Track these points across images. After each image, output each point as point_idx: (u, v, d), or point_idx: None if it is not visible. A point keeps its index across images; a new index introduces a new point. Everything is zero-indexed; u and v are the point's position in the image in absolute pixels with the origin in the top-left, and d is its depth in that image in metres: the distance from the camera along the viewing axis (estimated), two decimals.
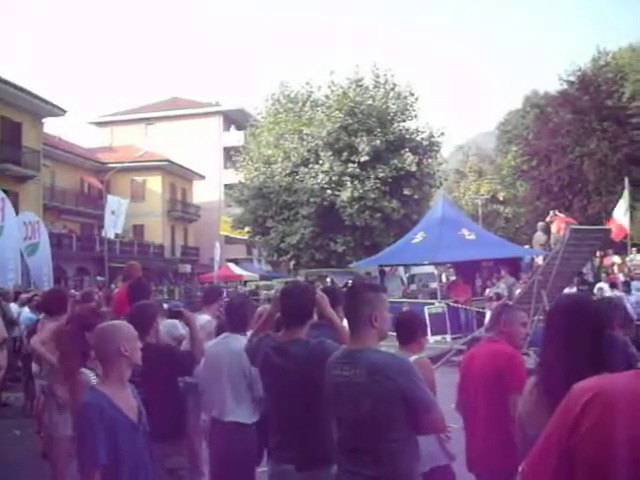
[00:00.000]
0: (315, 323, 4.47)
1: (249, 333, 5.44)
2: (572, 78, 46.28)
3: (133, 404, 3.85)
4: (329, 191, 35.36)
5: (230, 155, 51.11)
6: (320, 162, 35.78)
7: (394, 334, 5.01)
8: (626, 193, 26.51)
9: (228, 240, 55.06)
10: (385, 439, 3.49)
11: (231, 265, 52.19)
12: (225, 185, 59.93)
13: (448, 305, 20.72)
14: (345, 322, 4.09)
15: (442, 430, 4.00)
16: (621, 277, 21.74)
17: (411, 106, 38.80)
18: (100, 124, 65.25)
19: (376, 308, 3.72)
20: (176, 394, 5.47)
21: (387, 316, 3.79)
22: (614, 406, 2.00)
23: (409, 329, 5.15)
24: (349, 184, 35.00)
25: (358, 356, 3.59)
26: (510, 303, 9.77)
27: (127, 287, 7.61)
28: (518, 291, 18.77)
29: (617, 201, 28.52)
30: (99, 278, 38.80)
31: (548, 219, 25.41)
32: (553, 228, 24.54)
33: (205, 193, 61.61)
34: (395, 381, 3.45)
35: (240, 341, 5.39)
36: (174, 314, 6.21)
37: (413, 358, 4.82)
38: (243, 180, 40.26)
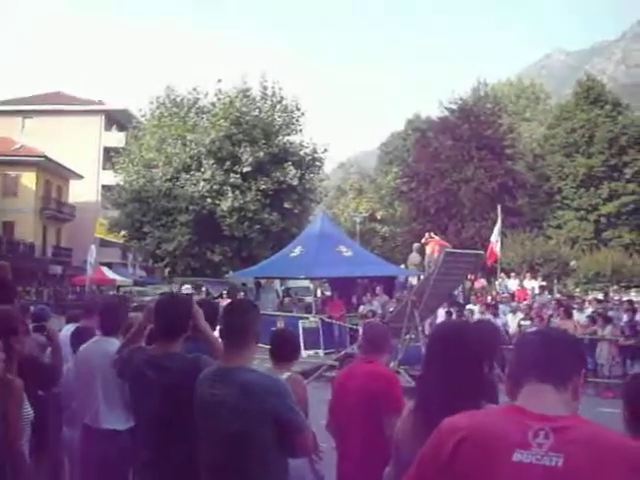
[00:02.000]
0: (189, 336, 4.33)
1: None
2: (453, 106, 47.78)
3: None
4: (209, 199, 35.07)
5: (110, 156, 49.94)
6: (202, 170, 35.46)
7: (266, 347, 4.92)
8: (499, 220, 27.45)
9: (103, 243, 53.72)
10: (253, 460, 3.42)
11: (104, 269, 50.88)
12: (103, 186, 58.57)
13: (322, 320, 20.80)
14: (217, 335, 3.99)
15: (312, 453, 3.96)
16: (489, 300, 22.43)
17: (297, 120, 39.07)
18: None
19: (255, 326, 3.67)
20: (37, 409, 5.21)
21: (260, 334, 3.73)
22: (483, 449, 2.04)
23: (285, 348, 5.09)
24: (230, 194, 34.83)
25: (231, 374, 3.50)
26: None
27: None
28: (391, 309, 19.09)
29: (490, 227, 29.56)
30: None
31: (423, 240, 26.02)
32: (428, 249, 25.14)
33: (81, 193, 59.91)
34: (267, 402, 3.38)
35: (114, 344, 5.20)
36: (36, 329, 5.96)
37: (286, 375, 4.76)
38: (122, 182, 39.37)
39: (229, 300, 25.99)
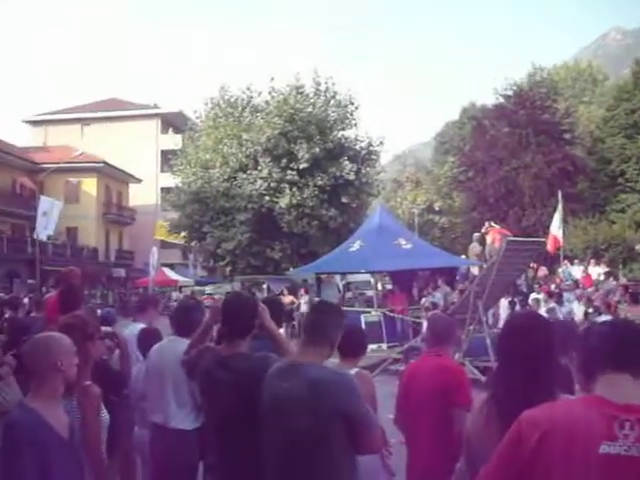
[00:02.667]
0: (255, 335, 4.35)
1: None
2: (508, 92, 47.12)
3: (65, 421, 3.65)
4: (267, 197, 35.25)
5: (167, 158, 50.55)
6: (259, 168, 35.66)
7: None
8: (560, 207, 26.98)
9: (164, 244, 54.41)
10: (322, 456, 3.41)
11: (166, 270, 51.58)
12: (162, 189, 59.32)
13: (384, 314, 20.75)
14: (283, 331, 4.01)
15: (380, 450, 3.94)
16: (552, 288, 22.08)
17: (351, 114, 39.01)
18: (34, 123, 63.93)
19: (339, 330, 3.74)
20: (110, 412, 5.29)
21: (339, 337, 3.75)
22: (567, 442, 2.01)
23: (353, 343, 5.05)
24: (287, 191, 34.96)
25: (301, 370, 3.50)
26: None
27: (59, 293, 7.36)
28: (454, 301, 18.94)
29: (551, 214, 29.04)
30: (30, 281, 37.93)
31: (483, 230, 25.71)
32: (488, 239, 24.83)
33: (141, 196, 60.84)
34: (337, 398, 3.37)
35: (181, 344, 5.26)
36: (105, 335, 6.05)
37: (354, 371, 4.75)
38: (180, 184, 39.83)
39: (290, 297, 26.20)
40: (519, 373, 2.82)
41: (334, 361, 4.81)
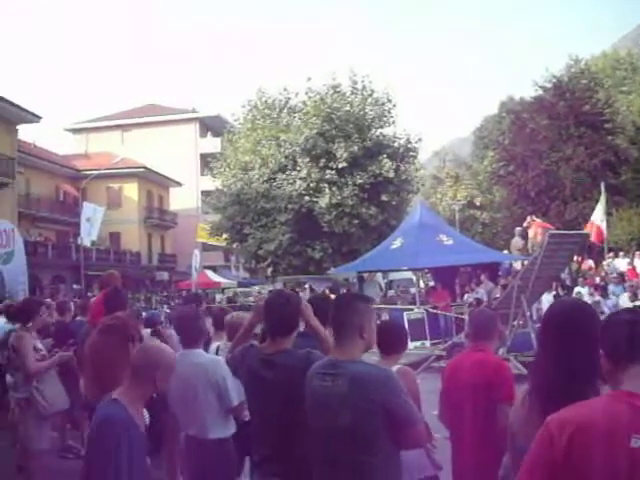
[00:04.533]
0: (300, 332, 4.38)
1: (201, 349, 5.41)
2: (547, 84, 46.64)
3: (143, 422, 3.79)
4: (307, 197, 35.32)
5: (207, 162, 50.89)
6: (298, 168, 35.75)
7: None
8: (602, 198, 26.64)
9: (205, 247, 54.79)
10: (365, 452, 3.41)
11: (209, 272, 51.93)
12: (202, 192, 59.75)
13: (427, 311, 20.64)
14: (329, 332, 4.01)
15: (424, 445, 3.93)
16: (597, 281, 21.83)
17: (389, 112, 38.93)
18: (75, 131, 64.80)
19: (365, 319, 3.65)
20: (153, 407, 5.34)
21: (374, 328, 3.73)
22: (598, 439, 1.98)
23: (393, 339, 5.05)
24: (327, 190, 35.00)
25: (341, 367, 3.51)
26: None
27: (102, 296, 7.47)
28: (497, 296, 18.81)
29: (593, 206, 28.69)
30: (75, 286, 38.45)
31: (525, 224, 25.50)
32: (530, 233, 24.63)
33: (182, 200, 61.36)
34: (378, 394, 3.37)
35: (199, 355, 5.32)
36: (153, 333, 6.12)
37: (396, 367, 4.75)
38: (220, 187, 40.10)
39: (333, 296, 26.26)
40: (556, 364, 2.80)
41: (375, 359, 4.83)
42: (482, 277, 22.31)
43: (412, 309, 21.49)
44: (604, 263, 26.10)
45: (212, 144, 58.91)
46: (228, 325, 6.38)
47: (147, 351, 3.92)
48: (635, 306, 17.16)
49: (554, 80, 46.42)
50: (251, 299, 38.06)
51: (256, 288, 45.70)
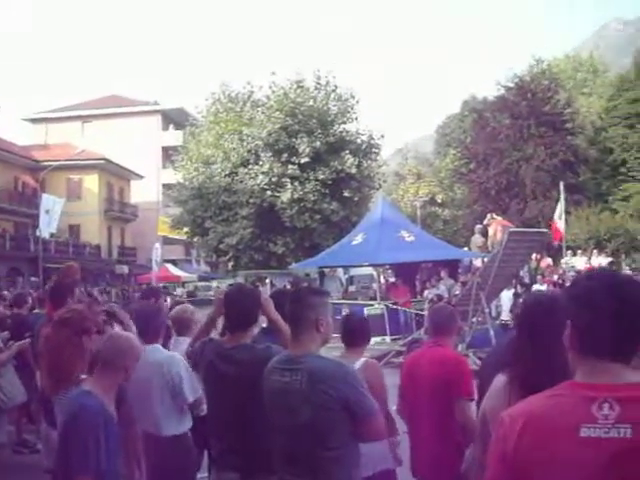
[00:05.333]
0: (263, 328, 4.36)
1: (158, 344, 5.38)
2: (510, 84, 47.07)
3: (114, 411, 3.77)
4: (269, 192, 35.28)
5: (169, 155, 50.61)
6: (260, 163, 35.68)
7: (338, 336, 4.92)
8: (562, 197, 26.96)
9: (166, 240, 54.46)
10: (324, 447, 3.40)
11: (169, 266, 51.64)
12: (163, 185, 59.42)
13: (387, 306, 20.73)
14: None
15: (383, 437, 3.93)
16: (555, 279, 22.09)
17: (352, 108, 39.02)
18: (35, 121, 63.85)
19: (321, 313, 3.63)
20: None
21: (331, 321, 3.71)
22: (546, 431, 1.98)
23: (356, 332, 5.06)
24: (289, 185, 34.99)
25: (298, 361, 3.49)
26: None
27: (49, 290, 7.41)
28: (457, 293, 18.94)
29: (553, 205, 29.04)
30: (33, 279, 37.98)
31: (485, 222, 25.72)
32: (490, 231, 24.85)
33: (143, 193, 60.84)
34: (337, 388, 3.36)
35: (155, 351, 5.26)
36: (108, 315, 6.03)
37: (362, 360, 4.76)
38: (182, 180, 39.91)
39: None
40: (541, 352, 2.83)
41: (335, 354, 4.83)
42: (442, 274, 22.46)
43: (372, 305, 21.56)
44: (562, 261, 26.44)
45: (174, 137, 58.49)
46: (173, 319, 6.34)
47: (116, 340, 3.89)
48: None
49: (516, 80, 46.87)
50: (211, 293, 37.90)
51: (214, 283, 45.55)
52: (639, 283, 2.09)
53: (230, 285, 5.68)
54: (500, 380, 3.11)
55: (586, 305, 2.07)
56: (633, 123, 45.98)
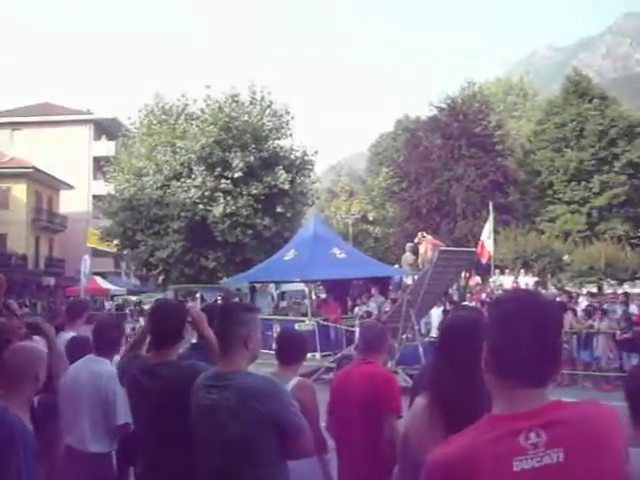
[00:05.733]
0: (194, 344, 4.31)
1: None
2: (442, 105, 47.86)
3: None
4: (201, 206, 35.02)
5: (100, 165, 49.87)
6: (193, 176, 35.42)
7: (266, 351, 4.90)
8: (491, 217, 27.45)
9: (95, 252, 53.51)
10: (253, 464, 3.38)
11: (98, 278, 50.75)
12: (94, 196, 58.45)
13: (318, 323, 20.79)
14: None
15: (312, 455, 3.92)
16: (483, 297, 22.44)
17: (286, 124, 39.11)
18: None
19: (251, 329, 3.61)
20: (40, 414, 5.14)
21: (260, 338, 3.69)
22: (479, 472, 1.91)
23: (292, 350, 5.03)
24: (221, 200, 34.81)
25: (227, 378, 3.46)
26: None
27: None
28: (387, 310, 19.07)
29: (482, 225, 29.54)
30: None
31: (416, 240, 26.02)
32: (421, 249, 25.15)
33: (72, 203, 59.70)
34: (265, 405, 3.34)
35: (103, 365, 5.16)
36: (31, 328, 5.87)
37: (295, 380, 4.73)
38: (113, 191, 39.34)
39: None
40: (460, 376, 2.83)
41: (269, 371, 4.80)
42: (373, 291, 22.61)
43: (303, 321, 21.59)
44: (490, 280, 26.89)
45: (106, 147, 57.70)
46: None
47: (22, 351, 3.79)
48: None
49: (449, 101, 47.71)
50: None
51: (133, 298, 44.95)
52: (559, 307, 2.10)
53: (156, 300, 5.58)
54: (420, 402, 3.11)
55: (503, 328, 2.03)
56: (560, 147, 47.30)
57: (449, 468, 1.95)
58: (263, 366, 4.89)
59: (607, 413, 2.02)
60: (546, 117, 50.42)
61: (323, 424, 4.99)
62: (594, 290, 29.00)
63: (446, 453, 1.99)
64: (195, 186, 35.04)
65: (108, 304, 43.64)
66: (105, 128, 62.24)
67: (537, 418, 1.94)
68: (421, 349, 14.68)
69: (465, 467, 1.93)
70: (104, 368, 5.18)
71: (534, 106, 64.06)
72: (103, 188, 44.35)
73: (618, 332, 16.84)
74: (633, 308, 18.56)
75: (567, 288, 27.54)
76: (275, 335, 20.65)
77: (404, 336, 15.48)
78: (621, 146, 46.58)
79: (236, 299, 26.45)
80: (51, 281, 56.09)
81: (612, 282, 34.79)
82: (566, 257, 36.77)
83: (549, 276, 32.54)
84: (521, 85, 71.17)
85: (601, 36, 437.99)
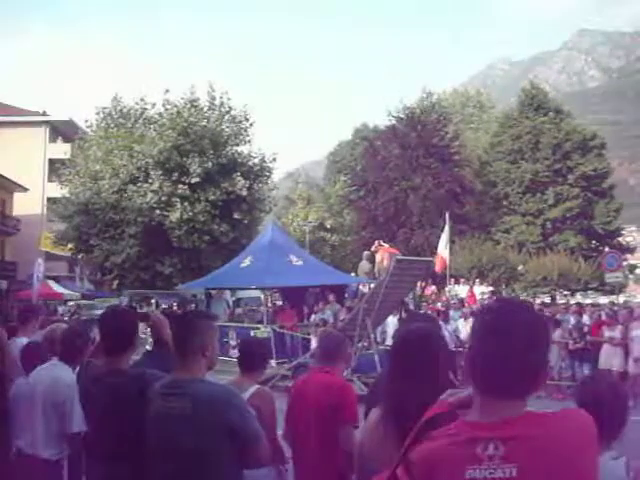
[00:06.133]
0: (149, 352, 4.25)
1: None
2: (401, 115, 48.19)
3: None
4: (158, 211, 34.72)
5: (55, 168, 49.20)
6: (150, 181, 35.12)
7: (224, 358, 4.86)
8: (447, 227, 27.66)
9: (49, 256, 52.75)
10: (209, 472, 3.36)
11: (51, 283, 50.03)
12: (48, 199, 57.60)
13: (274, 330, 20.74)
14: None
15: (268, 464, 3.91)
16: (439, 306, 22.60)
17: (245, 130, 39.01)
18: None
19: (207, 337, 3.59)
20: None
21: (217, 345, 3.67)
22: (434, 477, 1.95)
23: (253, 358, 5.00)
24: (179, 205, 34.56)
25: (184, 386, 3.43)
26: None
27: None
28: (343, 318, 19.09)
29: (438, 234, 29.75)
30: None
31: (373, 248, 26.07)
32: (378, 257, 25.20)
33: (26, 206, 58.75)
34: (222, 413, 3.33)
35: (64, 371, 5.09)
36: None
37: (254, 388, 4.70)
38: (68, 195, 38.82)
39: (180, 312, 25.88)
40: (414, 389, 2.83)
41: (228, 378, 4.77)
42: (330, 298, 22.63)
43: (259, 328, 21.54)
44: (446, 289, 27.09)
45: (62, 150, 56.85)
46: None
47: None
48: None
49: (407, 111, 48.06)
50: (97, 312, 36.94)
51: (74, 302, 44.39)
52: (537, 321, 2.07)
53: (108, 307, 5.51)
54: (375, 414, 3.12)
55: (476, 338, 2.07)
56: (516, 159, 48.00)
57: (414, 465, 2.01)
58: (220, 373, 4.86)
59: (581, 426, 2.01)
60: (502, 129, 51.13)
61: (280, 432, 4.98)
62: (547, 300, 29.38)
63: (423, 451, 2.03)
64: (152, 191, 34.74)
65: (61, 309, 43.03)
66: (61, 130, 61.46)
67: (500, 430, 1.94)
68: (377, 357, 14.72)
69: (427, 467, 1.98)
70: (64, 375, 5.11)
71: (491, 118, 64.82)
72: (58, 191, 43.74)
73: (571, 342, 17.14)
74: (585, 318, 18.87)
75: (521, 298, 27.84)
76: (231, 342, 20.61)
77: (360, 344, 15.51)
78: (575, 159, 47.43)
79: (192, 305, 26.29)
80: (3, 285, 55.16)
81: (565, 292, 35.34)
82: (520, 267, 37.25)
83: (503, 286, 32.86)
84: (478, 97, 72.00)
85: (557, 51, 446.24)
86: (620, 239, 51.28)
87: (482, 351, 2.02)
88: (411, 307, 22.59)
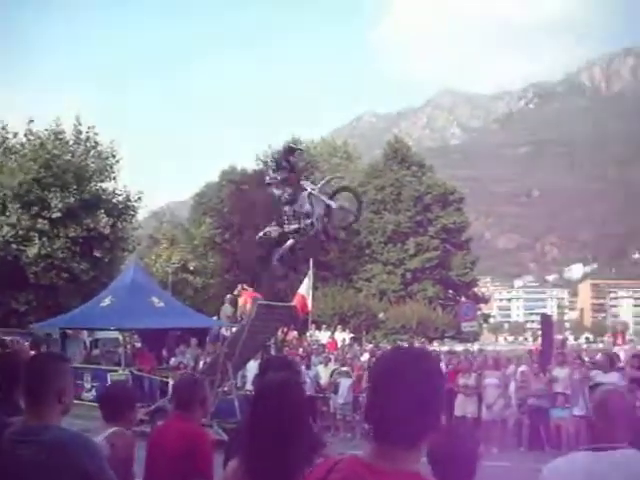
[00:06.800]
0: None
1: None
2: (269, 159, 48.64)
3: None
4: (14, 245, 33.43)
5: None
6: (7, 214, 33.82)
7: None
8: (310, 272, 27.97)
9: None
10: None
11: None
12: None
13: (132, 373, 20.29)
14: None
15: None
16: (300, 351, 22.73)
17: (111, 167, 38.32)
18: None
19: (64, 382, 3.46)
20: None
21: (72, 389, 3.55)
22: None
23: (117, 405, 4.82)
24: (37, 240, 33.41)
25: (39, 434, 3.29)
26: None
27: None
28: (203, 361, 18.91)
29: (302, 280, 30.03)
30: None
31: (236, 292, 26.06)
32: (240, 301, 25.20)
33: None
34: (77, 460, 3.22)
35: None
36: None
37: (111, 430, 4.54)
38: None
39: (32, 353, 24.88)
40: (271, 437, 2.82)
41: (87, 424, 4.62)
42: (191, 342, 22.40)
43: (116, 370, 21.04)
44: (307, 334, 27.29)
45: None
46: None
47: None
48: (333, 375, 18.07)
49: (276, 156, 48.56)
50: None
51: None
52: (419, 371, 2.04)
53: None
54: (232, 466, 3.10)
55: (367, 387, 2.16)
56: (379, 209, 49.31)
57: None
58: (74, 417, 4.70)
59: None
60: (367, 179, 52.49)
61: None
62: None
63: None
64: (9, 224, 33.45)
65: None
66: None
67: (340, 473, 1.97)
68: (237, 403, 14.62)
69: None
70: None
71: (357, 168, 66.25)
72: None
73: None
74: (442, 366, 19.41)
75: (381, 345, 28.39)
76: (86, 385, 20.00)
77: (220, 389, 15.37)
78: (435, 212, 49.26)
79: (44, 346, 25.32)
80: None
81: (423, 340, 36.24)
82: (381, 315, 38.06)
83: (364, 333, 33.41)
84: (345, 147, 73.59)
85: (422, 108, 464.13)
86: (475, 289, 53.41)
87: (367, 398, 2.11)
88: (272, 352, 22.62)
